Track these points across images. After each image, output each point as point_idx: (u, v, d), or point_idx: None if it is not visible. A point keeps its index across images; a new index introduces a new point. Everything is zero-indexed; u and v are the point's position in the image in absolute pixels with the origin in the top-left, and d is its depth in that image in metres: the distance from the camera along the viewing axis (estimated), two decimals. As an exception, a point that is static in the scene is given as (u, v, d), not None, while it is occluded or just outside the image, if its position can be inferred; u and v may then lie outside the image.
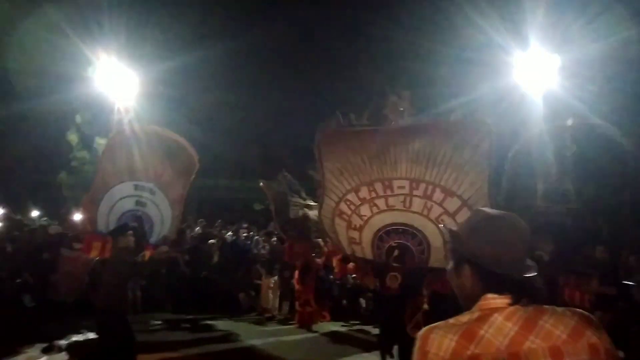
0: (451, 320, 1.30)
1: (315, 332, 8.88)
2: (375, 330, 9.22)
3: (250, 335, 8.35)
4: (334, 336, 8.62)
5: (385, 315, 6.13)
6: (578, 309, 1.30)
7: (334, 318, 9.88)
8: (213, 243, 11.21)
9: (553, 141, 8.65)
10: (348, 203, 6.12)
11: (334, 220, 6.31)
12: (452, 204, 5.54)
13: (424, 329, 1.33)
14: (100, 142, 15.10)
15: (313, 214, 9.39)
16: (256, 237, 13.08)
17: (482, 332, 1.24)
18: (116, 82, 13.98)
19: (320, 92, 16.52)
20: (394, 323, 5.65)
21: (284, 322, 9.79)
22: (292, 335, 8.57)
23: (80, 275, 8.57)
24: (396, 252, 5.98)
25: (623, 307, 5.71)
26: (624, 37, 8.63)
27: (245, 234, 12.78)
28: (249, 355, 6.99)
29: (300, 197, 9.82)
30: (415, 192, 5.73)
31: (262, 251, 11.39)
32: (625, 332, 5.63)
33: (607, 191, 7.20)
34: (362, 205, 6.06)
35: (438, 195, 5.61)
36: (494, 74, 11.25)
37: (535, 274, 1.32)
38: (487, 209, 1.45)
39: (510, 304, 1.26)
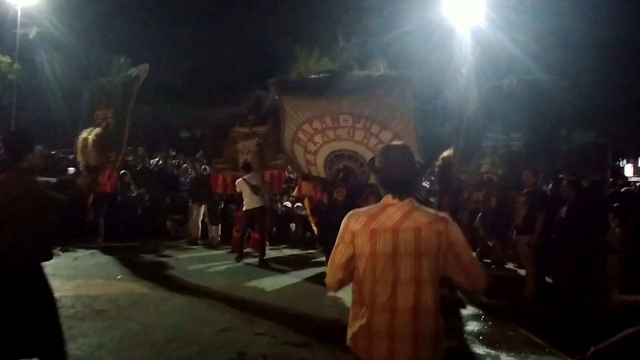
0: (366, 209, 2.10)
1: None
2: (303, 252, 9.70)
3: (182, 261, 8.31)
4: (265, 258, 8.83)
5: (333, 222, 6.59)
6: (441, 212, 2.12)
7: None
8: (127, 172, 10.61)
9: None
10: (304, 132, 7.65)
11: (293, 145, 7.77)
12: (386, 135, 7.09)
13: (349, 213, 2.11)
14: (2, 59, 13.59)
15: (243, 145, 9.56)
16: (184, 164, 12.75)
17: (380, 216, 2.03)
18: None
19: (247, 17, 15.70)
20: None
21: (213, 248, 9.83)
22: (225, 259, 8.67)
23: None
24: (342, 174, 7.51)
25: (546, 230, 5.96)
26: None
27: (173, 162, 12.41)
28: (182, 280, 6.96)
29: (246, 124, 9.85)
30: (357, 125, 7.29)
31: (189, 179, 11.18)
32: (549, 252, 6.01)
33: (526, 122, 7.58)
34: (315, 135, 7.61)
35: (375, 128, 7.17)
36: (425, 5, 11.27)
37: (414, 180, 2.20)
38: (394, 143, 2.38)
39: (399, 200, 2.04)
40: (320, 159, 7.91)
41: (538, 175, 6.48)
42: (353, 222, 2.04)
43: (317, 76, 7.69)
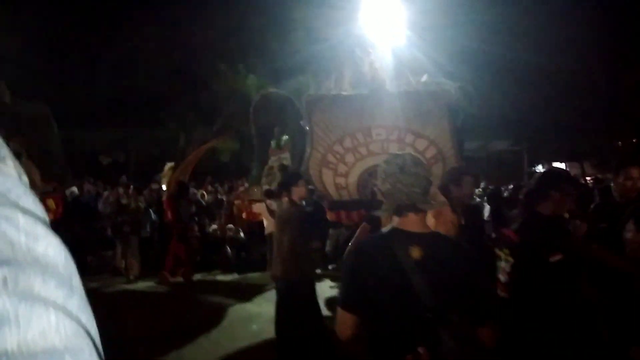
0: None
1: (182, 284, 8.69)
2: (241, 276, 9.40)
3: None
4: (207, 286, 8.55)
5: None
6: None
7: (197, 270, 9.69)
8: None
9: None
10: (334, 153, 7.27)
11: (321, 170, 7.31)
12: (421, 143, 6.93)
13: None
14: None
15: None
16: (105, 192, 12.01)
17: None
18: None
19: (166, 34, 15.17)
20: None
21: (139, 280, 9.28)
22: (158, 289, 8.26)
23: None
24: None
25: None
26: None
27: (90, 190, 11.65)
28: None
29: None
30: (390, 137, 7.01)
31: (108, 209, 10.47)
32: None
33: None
34: (347, 154, 7.24)
35: (410, 137, 6.96)
36: (347, 21, 11.49)
37: None
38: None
39: None
40: (353, 179, 7.36)
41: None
42: None
43: (352, 94, 7.28)
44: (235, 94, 14.38)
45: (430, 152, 6.92)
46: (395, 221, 2.04)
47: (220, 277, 9.52)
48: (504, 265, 3.22)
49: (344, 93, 7.25)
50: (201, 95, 14.96)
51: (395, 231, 2.02)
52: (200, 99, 15.02)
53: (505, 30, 11.73)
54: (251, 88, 14.19)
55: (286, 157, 9.47)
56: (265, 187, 9.06)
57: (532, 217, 3.07)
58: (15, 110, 8.52)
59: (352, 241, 6.17)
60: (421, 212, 2.02)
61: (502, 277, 3.20)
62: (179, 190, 9.14)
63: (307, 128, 7.37)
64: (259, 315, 6.72)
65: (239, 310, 6.97)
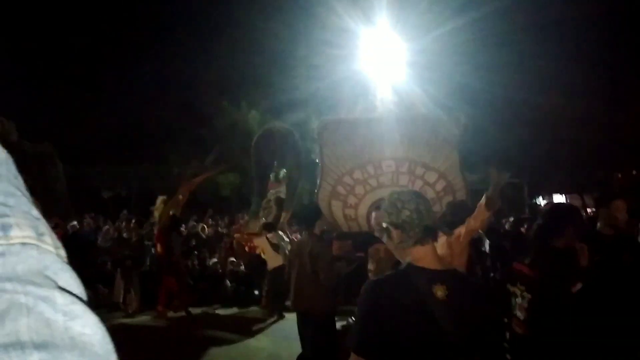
0: None
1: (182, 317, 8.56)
2: (243, 310, 9.27)
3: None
4: (207, 321, 8.45)
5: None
6: None
7: (196, 304, 9.57)
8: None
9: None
10: (343, 185, 7.25)
11: (330, 202, 7.22)
12: (431, 176, 6.94)
13: None
14: None
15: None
16: (106, 226, 12.01)
17: None
18: None
19: (167, 69, 15.52)
20: None
21: (135, 314, 9.15)
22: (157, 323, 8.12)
23: None
24: None
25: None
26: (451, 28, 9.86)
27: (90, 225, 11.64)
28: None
29: None
30: (401, 169, 7.01)
31: (109, 244, 10.44)
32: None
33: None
34: (357, 185, 7.22)
35: (419, 170, 6.98)
36: (349, 59, 11.79)
37: None
38: None
39: None
40: (362, 211, 7.25)
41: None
42: None
43: (363, 117, 7.30)
44: (236, 129, 14.59)
45: (441, 185, 6.91)
46: (411, 256, 1.94)
47: (220, 312, 9.38)
48: (521, 301, 3.11)
49: (356, 116, 7.31)
50: (203, 131, 15.17)
51: (413, 268, 1.91)
52: (202, 134, 15.22)
53: (504, 68, 12.18)
54: (253, 123, 14.42)
55: (283, 191, 9.48)
56: (263, 220, 9.05)
57: (548, 251, 3.05)
58: (21, 148, 8.69)
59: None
60: (434, 243, 1.98)
61: (519, 314, 3.06)
62: (171, 223, 9.12)
63: (317, 160, 7.37)
64: (259, 350, 6.62)
65: (239, 346, 6.86)
